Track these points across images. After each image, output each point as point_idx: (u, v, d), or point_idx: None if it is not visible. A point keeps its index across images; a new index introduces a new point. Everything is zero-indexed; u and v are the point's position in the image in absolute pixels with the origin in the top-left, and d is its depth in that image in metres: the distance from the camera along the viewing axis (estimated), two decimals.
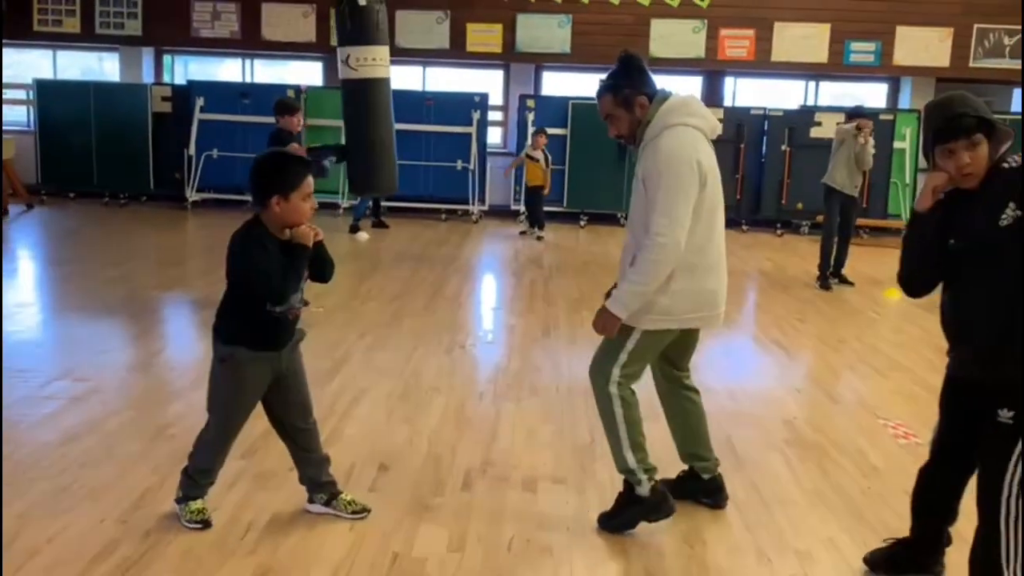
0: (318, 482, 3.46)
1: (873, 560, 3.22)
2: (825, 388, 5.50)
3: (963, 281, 2.77)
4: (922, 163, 12.92)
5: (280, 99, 7.24)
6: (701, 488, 3.69)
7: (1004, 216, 2.60)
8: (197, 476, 3.35)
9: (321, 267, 3.32)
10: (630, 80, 3.27)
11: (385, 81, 6.68)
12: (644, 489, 3.35)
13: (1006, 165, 2.69)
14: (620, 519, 3.42)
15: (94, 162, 12.77)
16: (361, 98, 6.66)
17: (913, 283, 2.95)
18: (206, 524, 3.30)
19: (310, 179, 3.15)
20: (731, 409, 4.93)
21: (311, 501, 3.49)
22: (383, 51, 6.55)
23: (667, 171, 3.13)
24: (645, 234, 3.15)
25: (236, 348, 3.19)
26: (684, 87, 14.06)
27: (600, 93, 3.33)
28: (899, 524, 3.55)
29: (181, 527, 3.29)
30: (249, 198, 3.37)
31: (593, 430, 4.41)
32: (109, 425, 4.29)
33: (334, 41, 12.93)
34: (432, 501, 3.62)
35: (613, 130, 3.36)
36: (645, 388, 3.48)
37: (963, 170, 2.68)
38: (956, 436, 2.94)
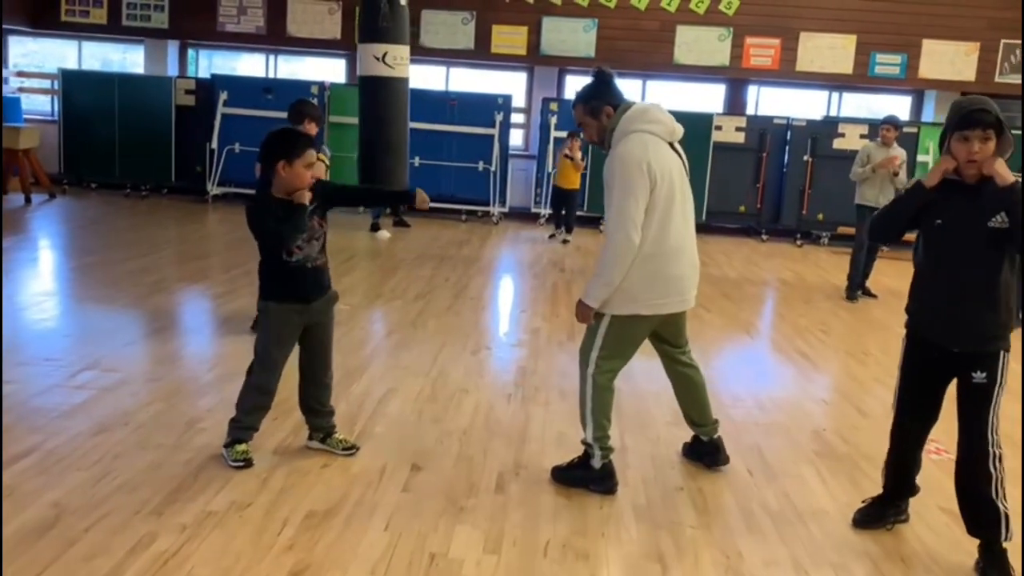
0: (320, 426, 4.03)
1: (860, 519, 3.65)
2: (852, 400, 5.47)
3: (946, 260, 3.25)
4: None
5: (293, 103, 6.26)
6: (703, 449, 4.19)
7: (995, 220, 3.11)
8: (243, 419, 3.84)
9: (389, 199, 4.15)
10: (598, 92, 3.71)
11: (407, 81, 6.72)
12: (596, 462, 3.80)
13: None
14: (568, 475, 3.85)
15: (116, 153, 12.81)
16: (393, 96, 6.64)
17: (885, 234, 3.48)
18: (248, 463, 3.77)
19: (312, 151, 3.70)
20: (760, 419, 4.92)
21: (310, 439, 4.05)
22: (408, 51, 6.59)
23: (619, 175, 3.53)
24: (606, 231, 3.61)
25: (268, 301, 3.80)
26: (707, 94, 14.00)
27: (574, 104, 3.80)
28: (935, 541, 3.56)
29: (217, 522, 3.30)
30: None
31: (624, 435, 4.41)
32: (140, 417, 4.29)
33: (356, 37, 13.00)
34: (466, 502, 3.61)
35: (586, 136, 3.81)
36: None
37: (971, 156, 3.10)
38: (918, 390, 3.44)
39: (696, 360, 4.13)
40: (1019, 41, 12.45)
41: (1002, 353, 3.23)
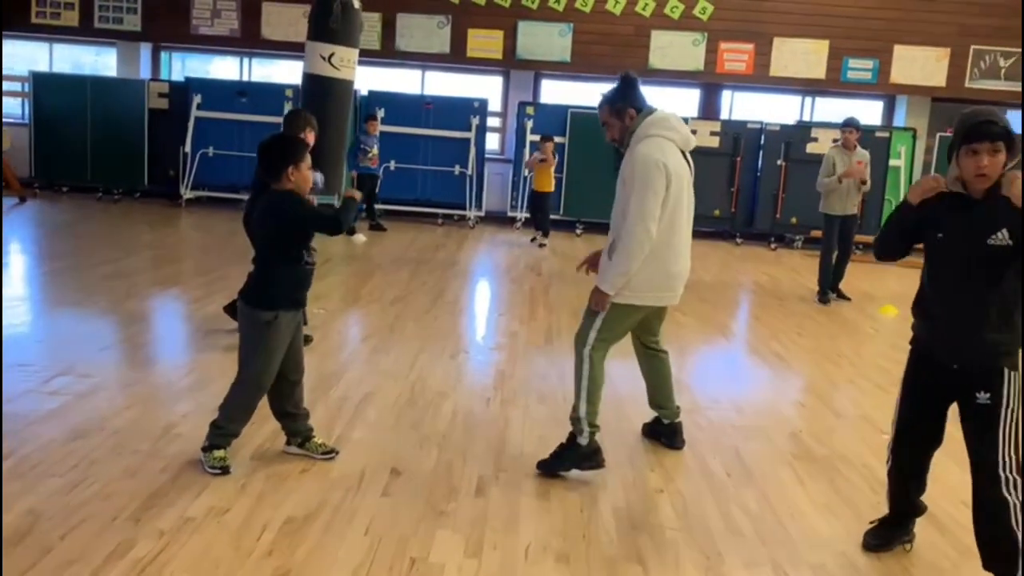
0: (297, 431, 4.01)
1: (871, 543, 3.51)
2: (828, 402, 5.51)
3: (944, 275, 3.16)
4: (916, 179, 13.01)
5: (293, 112, 6.02)
6: (662, 431, 4.49)
7: (995, 237, 2.98)
8: (226, 425, 3.79)
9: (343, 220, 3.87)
10: (624, 95, 3.98)
11: (352, 84, 6.76)
12: (584, 439, 3.99)
13: None
14: (557, 461, 4.01)
15: (88, 157, 12.70)
16: (339, 99, 6.67)
17: (884, 253, 3.36)
18: (225, 470, 3.73)
19: (308, 153, 3.82)
20: (738, 422, 4.94)
21: (288, 444, 4.03)
22: (356, 55, 6.63)
23: (640, 172, 3.78)
24: (623, 222, 3.81)
25: (278, 311, 3.74)
26: (681, 99, 14.07)
27: (601, 104, 4.06)
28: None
29: (195, 528, 3.27)
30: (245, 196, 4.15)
31: (603, 439, 4.40)
32: (116, 423, 4.25)
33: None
34: (446, 507, 3.60)
35: (608, 135, 4.04)
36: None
37: (980, 170, 2.98)
38: (919, 410, 3.30)
39: (664, 347, 4.44)
40: (989, 47, 12.62)
41: (1007, 371, 3.06)
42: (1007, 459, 3.02)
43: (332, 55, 6.13)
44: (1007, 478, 3.01)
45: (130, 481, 3.62)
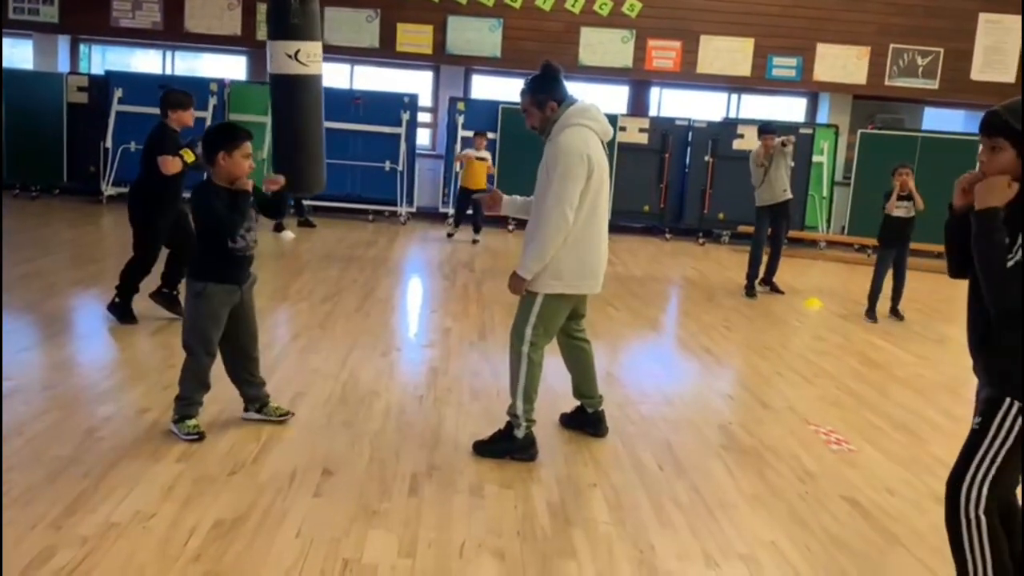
0: (255, 397, 4.35)
1: None
2: (756, 394, 5.61)
3: (977, 286, 2.68)
4: (839, 176, 13.30)
5: (169, 91, 6.20)
6: (587, 420, 4.55)
7: (1012, 255, 2.50)
8: (189, 396, 4.08)
9: (276, 208, 4.46)
10: (546, 87, 4.05)
11: (321, 78, 6.65)
12: (520, 432, 4.13)
13: None
14: (492, 448, 4.14)
15: (3, 153, 12.24)
16: (313, 95, 6.57)
17: (950, 266, 2.86)
18: (201, 436, 4.03)
19: (249, 143, 4.05)
20: (669, 415, 5.00)
21: (246, 410, 4.36)
22: (320, 48, 6.50)
23: (562, 160, 3.89)
24: (542, 209, 3.93)
25: (207, 283, 4.02)
26: (611, 96, 14.16)
27: (522, 92, 4.12)
28: (838, 529, 3.68)
29: (120, 533, 3.18)
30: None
31: (537, 433, 4.41)
32: (36, 427, 4.11)
33: (261, 34, 12.67)
34: (379, 506, 3.56)
35: (528, 122, 4.14)
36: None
37: (980, 168, 2.61)
38: None
39: (588, 337, 4.51)
40: (907, 46, 12.98)
41: (1008, 400, 2.58)
42: (977, 493, 2.63)
43: (298, 51, 6.04)
44: (968, 516, 2.64)
45: (51, 487, 3.51)
